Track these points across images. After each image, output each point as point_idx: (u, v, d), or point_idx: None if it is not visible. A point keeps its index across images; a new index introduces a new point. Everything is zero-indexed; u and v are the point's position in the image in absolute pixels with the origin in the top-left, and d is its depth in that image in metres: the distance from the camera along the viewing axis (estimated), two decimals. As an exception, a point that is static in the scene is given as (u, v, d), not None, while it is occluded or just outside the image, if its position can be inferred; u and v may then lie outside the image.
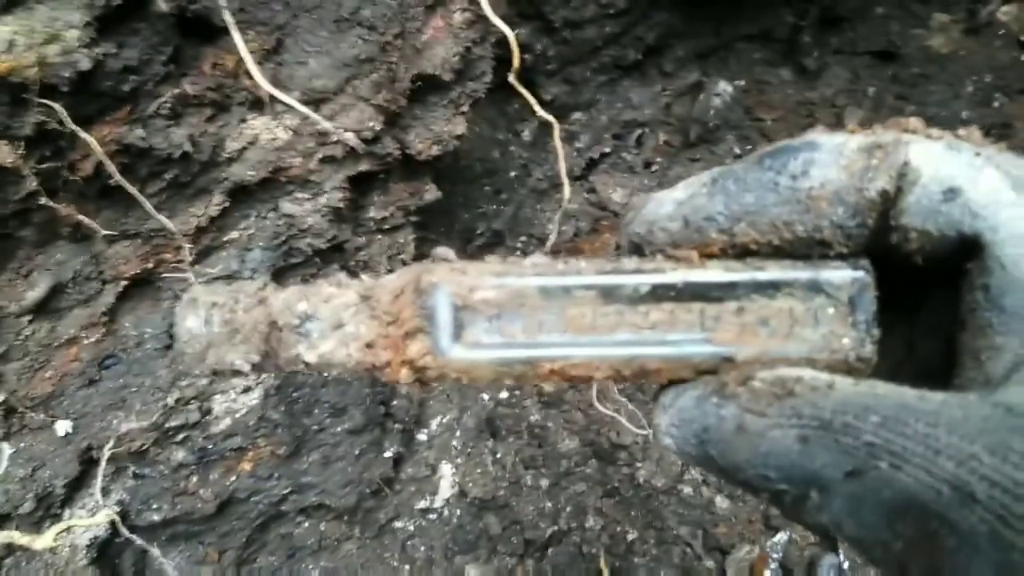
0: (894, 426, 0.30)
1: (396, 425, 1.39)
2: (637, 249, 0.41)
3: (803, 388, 0.33)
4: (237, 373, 0.43)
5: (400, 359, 0.41)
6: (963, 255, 0.35)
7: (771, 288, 0.38)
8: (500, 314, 0.39)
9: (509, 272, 0.40)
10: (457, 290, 0.39)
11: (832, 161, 0.36)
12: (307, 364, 0.43)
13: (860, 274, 0.37)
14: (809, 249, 0.37)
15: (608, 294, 0.39)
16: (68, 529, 1.04)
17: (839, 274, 0.37)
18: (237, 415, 1.22)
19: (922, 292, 0.40)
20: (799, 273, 0.38)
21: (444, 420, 1.44)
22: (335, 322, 0.42)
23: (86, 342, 1.08)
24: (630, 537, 1.34)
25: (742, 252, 0.38)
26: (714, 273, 0.38)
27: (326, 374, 1.28)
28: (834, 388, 0.33)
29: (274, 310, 0.43)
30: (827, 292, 0.37)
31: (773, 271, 0.38)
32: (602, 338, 0.39)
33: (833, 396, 0.32)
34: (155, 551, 1.10)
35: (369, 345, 0.41)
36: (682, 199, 0.38)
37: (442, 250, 0.42)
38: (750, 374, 0.36)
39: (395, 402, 1.39)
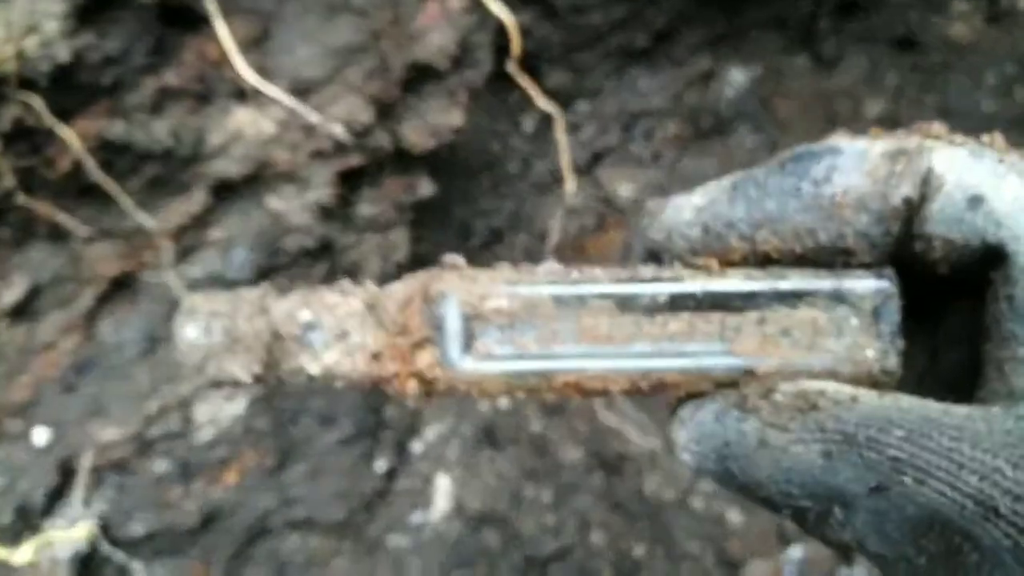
0: (918, 440, 0.31)
1: (389, 434, 1.40)
2: (654, 256, 0.42)
3: (826, 401, 0.34)
4: (238, 384, 0.43)
5: (408, 371, 0.41)
6: (987, 264, 0.36)
7: (793, 298, 0.39)
8: (512, 324, 0.40)
9: (521, 280, 0.40)
10: (467, 299, 0.40)
11: (855, 167, 0.37)
12: (311, 376, 0.43)
13: (884, 284, 0.38)
14: (832, 257, 0.38)
15: (625, 303, 0.39)
16: (48, 543, 1.05)
17: (863, 283, 0.38)
18: (221, 424, 1.23)
19: (946, 302, 0.41)
20: (822, 282, 0.38)
21: (440, 429, 1.45)
22: (340, 331, 0.42)
23: (64, 346, 1.09)
24: (637, 553, 1.35)
25: (763, 260, 0.39)
26: (735, 282, 0.39)
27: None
28: (858, 401, 0.34)
29: (276, 319, 0.43)
30: (850, 302, 0.38)
31: (795, 280, 0.39)
32: (619, 349, 0.39)
33: (857, 410, 0.33)
34: (137, 565, 1.12)
35: (375, 356, 0.41)
36: (702, 205, 0.39)
37: (451, 257, 0.43)
38: (772, 387, 0.37)
39: (388, 410, 1.40)
